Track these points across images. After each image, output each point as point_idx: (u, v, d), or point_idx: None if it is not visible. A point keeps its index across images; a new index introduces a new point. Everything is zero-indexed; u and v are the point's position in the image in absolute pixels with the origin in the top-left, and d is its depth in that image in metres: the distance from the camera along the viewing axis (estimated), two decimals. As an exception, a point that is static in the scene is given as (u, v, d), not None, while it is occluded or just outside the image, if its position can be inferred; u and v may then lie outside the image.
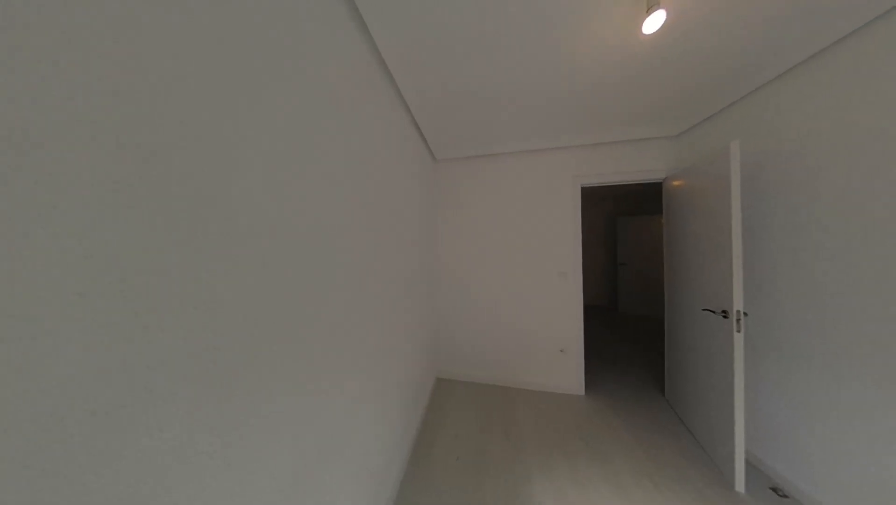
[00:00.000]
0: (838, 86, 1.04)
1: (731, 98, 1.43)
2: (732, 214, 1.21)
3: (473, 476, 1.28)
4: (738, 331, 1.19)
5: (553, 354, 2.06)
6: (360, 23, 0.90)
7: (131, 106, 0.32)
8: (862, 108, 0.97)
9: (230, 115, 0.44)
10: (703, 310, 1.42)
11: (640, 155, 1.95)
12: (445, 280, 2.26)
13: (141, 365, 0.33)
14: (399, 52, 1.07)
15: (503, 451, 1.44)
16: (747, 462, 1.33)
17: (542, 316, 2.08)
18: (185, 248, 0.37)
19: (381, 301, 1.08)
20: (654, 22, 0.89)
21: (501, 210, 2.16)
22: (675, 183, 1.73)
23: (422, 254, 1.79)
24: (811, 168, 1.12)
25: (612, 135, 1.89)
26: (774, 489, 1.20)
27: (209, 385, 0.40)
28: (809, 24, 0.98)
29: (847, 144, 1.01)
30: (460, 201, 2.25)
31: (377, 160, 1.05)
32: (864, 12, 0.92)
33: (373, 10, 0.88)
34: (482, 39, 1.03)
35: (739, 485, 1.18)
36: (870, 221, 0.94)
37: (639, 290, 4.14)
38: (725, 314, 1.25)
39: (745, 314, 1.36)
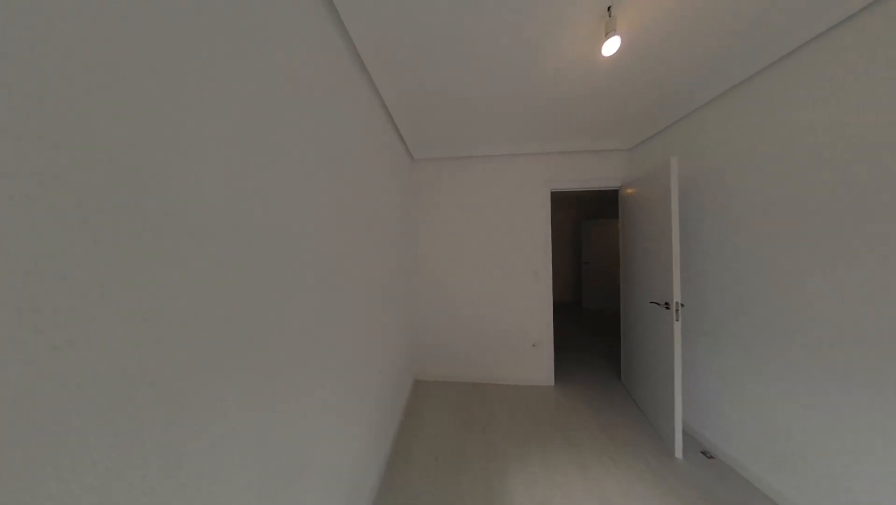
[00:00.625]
0: (746, 117, 1.27)
1: (672, 119, 1.65)
2: (672, 220, 1.40)
3: (453, 474, 1.30)
4: (677, 320, 1.39)
5: (526, 349, 2.17)
6: (335, 14, 0.88)
7: (27, 72, 0.26)
8: (763, 137, 1.20)
9: (173, 96, 0.39)
10: (651, 302, 1.62)
11: (601, 164, 2.16)
12: (424, 281, 2.27)
13: (47, 393, 0.27)
14: (375, 49, 1.06)
15: (481, 446, 1.49)
16: (684, 432, 1.55)
17: (516, 313, 2.19)
18: (111, 249, 0.31)
19: (356, 304, 1.05)
20: (611, 46, 1.00)
21: (478, 211, 2.23)
22: (629, 191, 1.95)
23: (399, 254, 1.77)
24: (728, 185, 1.35)
25: (577, 144, 2.07)
26: (704, 453, 1.43)
27: (146, 409, 0.35)
28: (726, 62, 1.19)
29: (753, 167, 1.24)
30: (438, 202, 2.27)
31: (351, 156, 1.02)
32: (764, 57, 1.14)
33: (347, 3, 0.86)
34: (459, 45, 1.07)
35: (678, 452, 1.38)
36: (770, 229, 1.17)
37: (600, 286, 4.55)
38: (667, 306, 1.45)
39: (683, 305, 1.59)
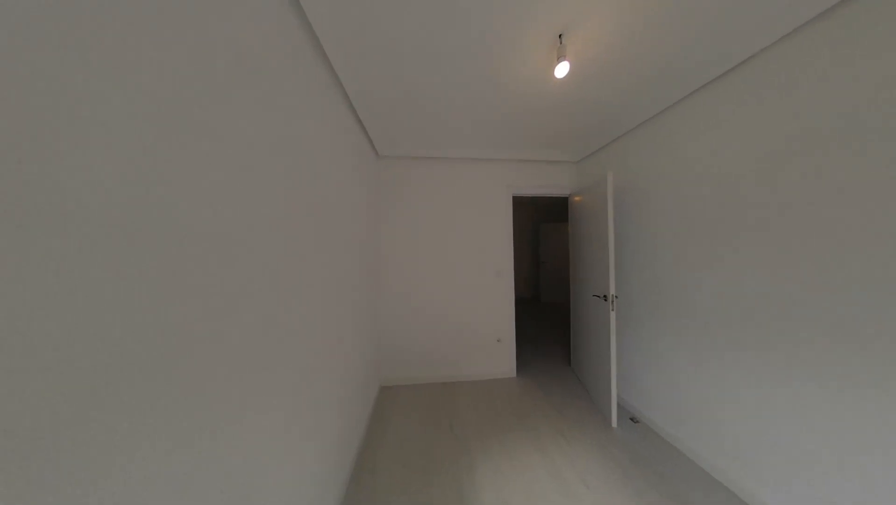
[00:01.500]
0: (657, 143, 1.57)
1: (610, 138, 1.94)
2: (609, 225, 1.65)
3: (421, 477, 1.28)
4: (613, 310, 1.64)
5: (491, 345, 2.30)
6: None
7: None
8: (667, 160, 1.50)
9: (53, 54, 0.31)
10: (593, 295, 1.88)
11: (555, 174, 2.41)
12: (389, 282, 2.21)
13: None
14: (337, 39, 1.03)
15: (449, 445, 1.50)
16: (618, 404, 1.83)
17: (481, 311, 2.29)
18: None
19: (313, 310, 0.95)
20: (562, 69, 1.12)
21: (444, 212, 2.28)
22: (576, 199, 2.22)
23: (363, 254, 1.72)
24: (646, 197, 1.65)
25: (535, 154, 2.27)
26: (632, 418, 1.71)
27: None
28: (643, 98, 1.45)
29: (661, 183, 1.54)
30: (404, 201, 2.23)
31: (308, 147, 0.93)
32: (668, 98, 1.42)
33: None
34: (427, 50, 1.10)
35: (614, 422, 1.63)
36: (672, 234, 1.46)
37: (556, 282, 5.03)
38: (605, 298, 1.70)
39: (617, 297, 1.87)
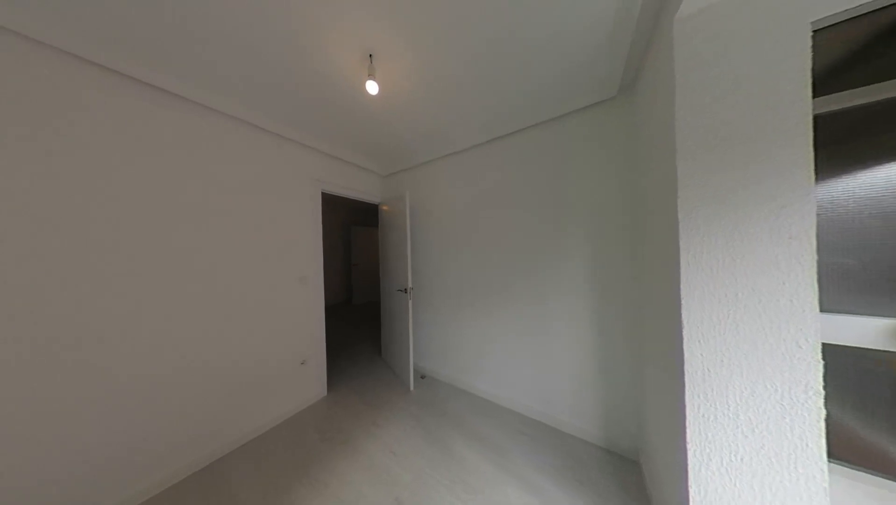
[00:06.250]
0: (430, 180, 2.29)
1: (408, 165, 2.46)
2: (406, 233, 2.10)
3: None
4: (410, 299, 2.10)
5: (292, 371, 1.84)
6: None
7: None
8: (434, 194, 2.25)
9: None
10: (397, 290, 2.27)
11: (366, 180, 2.57)
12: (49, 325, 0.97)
13: None
14: None
15: None
16: (415, 371, 2.38)
17: (279, 332, 1.76)
18: None
19: None
20: (372, 87, 1.15)
21: (203, 190, 1.42)
22: (384, 207, 2.55)
23: None
24: (428, 215, 2.33)
25: (347, 155, 2.26)
26: (422, 376, 2.30)
27: None
28: (424, 146, 2.04)
29: (432, 207, 2.27)
30: (67, 134, 1.05)
31: None
32: (436, 152, 2.13)
33: None
34: None
35: (411, 386, 2.09)
36: (438, 240, 2.22)
37: (368, 283, 5.31)
38: (405, 291, 2.13)
39: (412, 288, 2.42)
